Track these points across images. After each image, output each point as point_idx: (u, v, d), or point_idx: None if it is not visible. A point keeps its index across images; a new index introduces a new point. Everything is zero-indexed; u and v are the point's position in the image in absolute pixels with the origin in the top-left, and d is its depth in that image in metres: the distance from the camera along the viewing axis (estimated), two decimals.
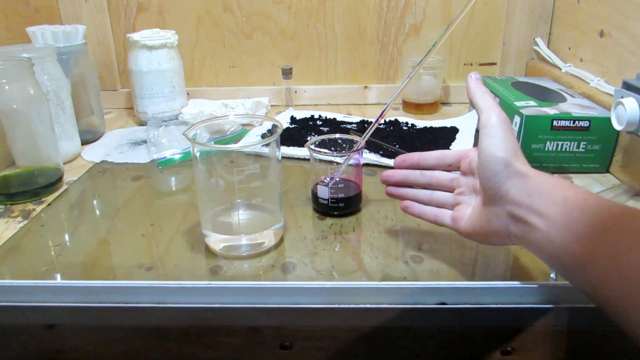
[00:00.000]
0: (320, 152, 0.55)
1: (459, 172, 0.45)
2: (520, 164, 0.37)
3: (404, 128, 0.84)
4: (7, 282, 0.42)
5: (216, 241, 0.49)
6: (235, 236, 0.49)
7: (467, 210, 0.43)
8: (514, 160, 0.37)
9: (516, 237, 0.37)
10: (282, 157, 0.71)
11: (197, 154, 0.47)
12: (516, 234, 0.37)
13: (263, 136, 0.77)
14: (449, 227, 0.45)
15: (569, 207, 0.33)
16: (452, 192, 0.45)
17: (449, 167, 0.46)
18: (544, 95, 0.74)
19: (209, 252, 0.49)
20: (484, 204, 0.40)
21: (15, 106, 0.58)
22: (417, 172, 0.48)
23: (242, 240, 0.49)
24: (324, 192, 0.54)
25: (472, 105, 0.43)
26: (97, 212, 0.59)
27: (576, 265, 0.32)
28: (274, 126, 0.50)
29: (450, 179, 0.46)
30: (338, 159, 0.55)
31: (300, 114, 0.90)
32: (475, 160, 0.42)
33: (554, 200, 0.34)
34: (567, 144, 0.65)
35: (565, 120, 0.64)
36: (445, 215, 0.45)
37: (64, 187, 0.65)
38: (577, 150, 0.65)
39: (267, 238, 0.49)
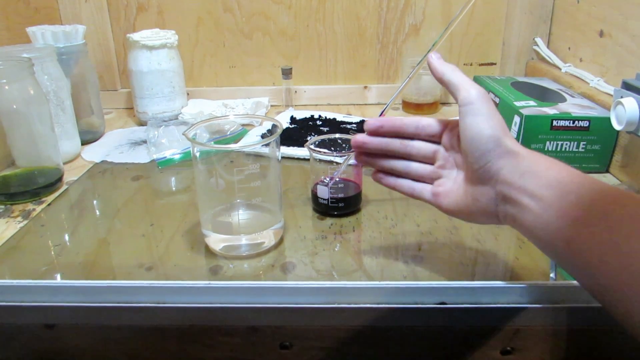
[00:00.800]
0: (320, 152, 0.55)
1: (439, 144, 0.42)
2: (510, 142, 0.36)
3: None
4: (7, 282, 0.42)
5: (216, 241, 0.49)
6: (235, 236, 0.49)
7: (449, 185, 0.40)
8: (504, 138, 0.35)
9: (505, 218, 0.36)
10: (282, 157, 0.71)
11: (197, 154, 0.47)
12: (506, 214, 0.36)
13: (263, 136, 0.77)
14: (428, 202, 0.42)
15: (564, 190, 0.32)
16: (431, 164, 0.42)
17: (430, 138, 0.42)
18: (543, 95, 0.74)
19: (209, 252, 0.49)
20: (471, 183, 0.38)
21: (15, 106, 0.58)
22: (398, 141, 0.43)
23: (242, 240, 0.49)
24: (323, 192, 0.54)
25: (443, 85, 0.40)
26: (97, 212, 0.59)
27: (571, 250, 0.31)
28: (274, 126, 0.50)
29: (433, 151, 0.42)
30: (338, 159, 0.55)
31: (300, 114, 0.90)
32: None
33: (547, 182, 0.33)
34: (566, 144, 0.65)
35: (564, 120, 0.64)
36: (424, 189, 0.42)
37: (64, 187, 0.65)
38: (576, 150, 0.65)
39: (267, 238, 0.49)
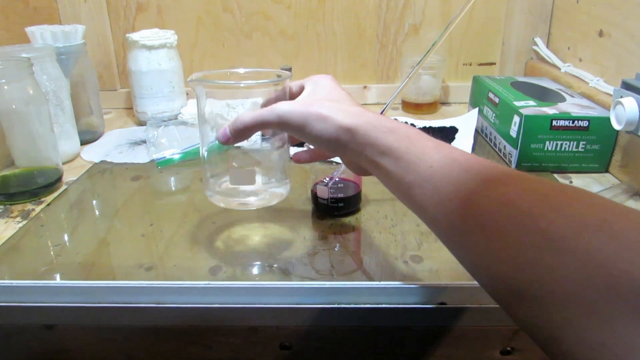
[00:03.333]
0: None
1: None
2: (351, 124, 0.35)
3: None
4: (7, 282, 0.42)
5: (224, 195, 0.49)
6: (255, 185, 0.48)
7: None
8: (346, 133, 0.35)
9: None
10: None
11: (205, 112, 0.45)
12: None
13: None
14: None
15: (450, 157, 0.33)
16: None
17: None
18: (543, 95, 0.74)
19: (209, 252, 0.49)
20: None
21: (14, 106, 0.58)
22: None
23: (260, 184, 0.48)
24: (323, 192, 0.54)
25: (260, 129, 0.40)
26: (97, 212, 0.59)
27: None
28: (283, 72, 0.48)
29: None
30: (338, 159, 0.55)
31: None
32: None
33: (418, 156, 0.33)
34: (566, 144, 0.65)
35: (564, 120, 0.64)
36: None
37: (63, 187, 0.65)
38: (576, 150, 0.65)
39: (278, 195, 0.50)
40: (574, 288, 0.23)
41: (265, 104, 0.45)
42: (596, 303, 0.22)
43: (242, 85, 0.46)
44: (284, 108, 0.38)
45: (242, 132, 0.40)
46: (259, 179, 0.47)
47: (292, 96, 0.43)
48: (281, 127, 0.39)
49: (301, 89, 0.44)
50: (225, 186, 0.48)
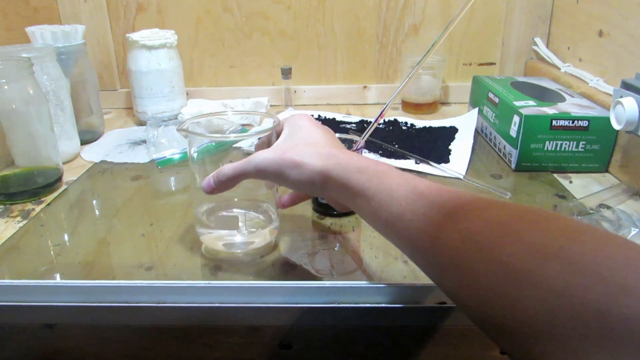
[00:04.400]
0: None
1: None
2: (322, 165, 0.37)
3: (404, 128, 0.84)
4: (7, 282, 0.42)
5: (212, 239, 0.49)
6: (232, 234, 0.48)
7: None
8: (320, 177, 0.37)
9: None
10: None
11: (194, 154, 0.47)
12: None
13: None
14: None
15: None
16: None
17: None
18: (543, 95, 0.74)
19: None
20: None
21: (14, 106, 0.58)
22: None
23: (238, 238, 0.48)
24: None
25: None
26: (97, 212, 0.59)
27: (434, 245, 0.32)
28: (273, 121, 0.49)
29: None
30: None
31: None
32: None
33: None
34: (566, 144, 0.65)
35: (564, 120, 0.64)
36: None
37: (64, 187, 0.65)
38: (576, 149, 0.65)
39: (263, 236, 0.49)
40: (542, 320, 0.23)
41: (259, 146, 0.47)
42: (565, 334, 0.22)
43: (231, 137, 0.49)
44: (260, 158, 0.39)
45: (225, 183, 0.42)
46: (242, 224, 0.48)
47: (278, 135, 0.46)
48: (259, 176, 0.41)
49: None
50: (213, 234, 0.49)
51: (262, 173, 0.40)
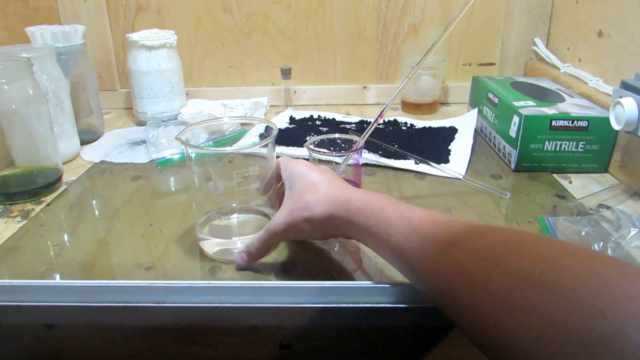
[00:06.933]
0: (319, 152, 0.55)
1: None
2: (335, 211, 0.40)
3: (403, 128, 0.84)
4: (7, 282, 0.42)
5: (211, 245, 0.49)
6: (231, 240, 0.48)
7: None
8: (328, 221, 0.40)
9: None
10: None
11: (192, 155, 0.47)
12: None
13: (261, 136, 0.77)
14: None
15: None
16: None
17: None
18: (542, 95, 0.74)
19: None
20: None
21: (14, 106, 0.58)
22: None
23: (238, 244, 0.48)
24: None
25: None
26: (96, 212, 0.59)
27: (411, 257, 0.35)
28: (269, 128, 0.49)
29: None
30: (337, 159, 0.55)
31: (299, 114, 0.90)
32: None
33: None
34: (565, 144, 0.65)
35: (564, 120, 0.64)
36: None
37: (63, 187, 0.65)
38: (575, 150, 0.65)
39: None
40: (531, 346, 0.24)
41: (264, 190, 0.49)
42: (551, 358, 0.23)
43: (228, 150, 0.50)
44: (274, 225, 0.43)
45: (256, 255, 0.46)
46: (237, 238, 0.48)
47: (278, 175, 0.48)
48: (280, 239, 0.46)
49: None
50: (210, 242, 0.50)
51: (283, 235, 0.44)
